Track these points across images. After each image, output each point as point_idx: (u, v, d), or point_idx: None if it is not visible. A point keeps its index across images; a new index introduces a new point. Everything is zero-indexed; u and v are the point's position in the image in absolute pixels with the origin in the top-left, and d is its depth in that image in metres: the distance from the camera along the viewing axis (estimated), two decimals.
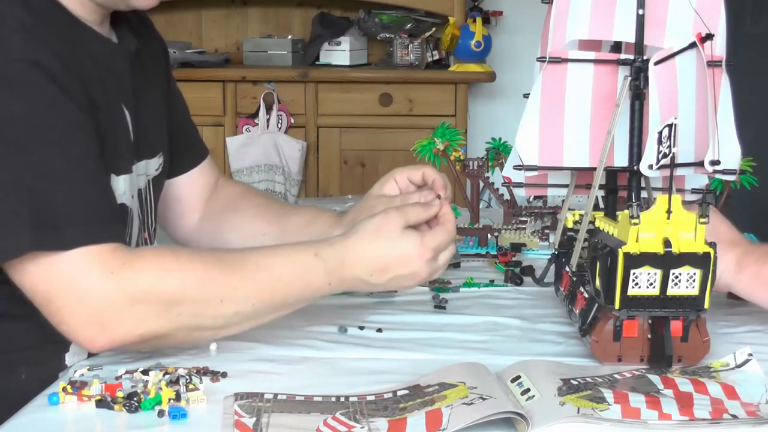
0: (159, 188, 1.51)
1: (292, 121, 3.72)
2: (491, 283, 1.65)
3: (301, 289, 1.26)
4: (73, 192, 1.17)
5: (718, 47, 1.32)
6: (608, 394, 1.11)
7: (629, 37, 1.34)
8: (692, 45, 1.30)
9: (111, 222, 1.22)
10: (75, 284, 1.17)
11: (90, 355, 1.29)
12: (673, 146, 1.21)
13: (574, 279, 1.36)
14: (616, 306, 1.20)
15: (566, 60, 1.35)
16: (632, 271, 1.18)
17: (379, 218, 1.28)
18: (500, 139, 1.91)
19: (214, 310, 1.22)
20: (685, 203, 1.20)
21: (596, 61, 1.36)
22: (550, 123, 1.37)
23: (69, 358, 1.28)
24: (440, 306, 1.52)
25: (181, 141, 1.59)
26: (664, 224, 1.18)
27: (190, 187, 1.63)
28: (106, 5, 1.29)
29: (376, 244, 1.27)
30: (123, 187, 1.35)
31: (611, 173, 1.39)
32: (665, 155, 1.22)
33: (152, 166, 1.46)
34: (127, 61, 1.34)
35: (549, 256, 1.45)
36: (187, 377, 1.16)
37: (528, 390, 1.11)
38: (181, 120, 1.61)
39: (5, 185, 1.14)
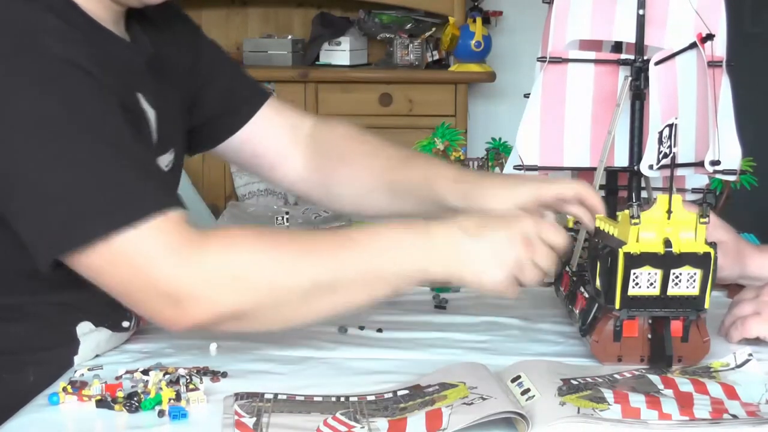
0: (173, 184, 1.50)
1: None
2: None
3: (385, 249, 1.18)
4: (125, 172, 1.14)
5: (719, 47, 1.32)
6: (608, 394, 1.10)
7: (630, 37, 1.34)
8: (693, 45, 1.30)
9: (167, 189, 1.19)
10: (144, 272, 1.13)
11: (97, 357, 1.29)
12: (674, 146, 1.21)
13: (575, 279, 1.36)
14: (617, 306, 1.20)
15: (567, 60, 1.35)
16: (632, 271, 1.18)
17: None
18: (500, 139, 1.91)
19: (287, 278, 1.16)
20: (686, 203, 1.20)
21: (597, 61, 1.36)
22: (551, 123, 1.37)
23: (78, 361, 1.28)
24: (440, 306, 1.53)
25: (232, 90, 1.51)
26: (664, 224, 1.18)
27: (262, 139, 1.51)
28: (120, 1, 1.28)
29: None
30: None
31: (611, 173, 1.40)
32: (666, 155, 1.23)
33: (163, 162, 1.45)
34: (145, 61, 1.34)
35: None
36: (188, 377, 1.16)
37: (528, 390, 1.11)
38: (228, 72, 1.54)
39: (58, 180, 1.11)
